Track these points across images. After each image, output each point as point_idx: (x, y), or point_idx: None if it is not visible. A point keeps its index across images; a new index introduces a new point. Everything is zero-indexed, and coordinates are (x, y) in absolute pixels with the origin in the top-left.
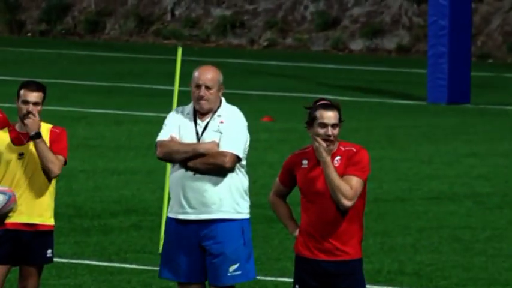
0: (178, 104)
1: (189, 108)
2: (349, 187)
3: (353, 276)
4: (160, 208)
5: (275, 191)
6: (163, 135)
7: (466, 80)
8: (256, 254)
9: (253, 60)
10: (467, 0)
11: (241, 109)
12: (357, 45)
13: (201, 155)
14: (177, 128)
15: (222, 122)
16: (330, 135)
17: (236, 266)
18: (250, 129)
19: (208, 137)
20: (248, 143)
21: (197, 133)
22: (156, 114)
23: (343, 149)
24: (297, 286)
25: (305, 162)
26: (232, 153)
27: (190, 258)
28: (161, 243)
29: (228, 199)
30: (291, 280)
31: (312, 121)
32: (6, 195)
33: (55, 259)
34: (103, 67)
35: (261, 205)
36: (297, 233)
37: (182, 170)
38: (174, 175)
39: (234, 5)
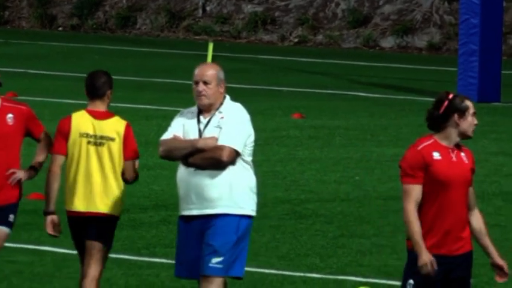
0: None
1: (194, 107)
2: None
3: (470, 266)
4: None
5: (414, 199)
6: (166, 135)
7: (497, 79)
8: (285, 250)
9: (284, 56)
10: (498, 0)
11: (271, 106)
12: (387, 42)
13: (201, 150)
14: (181, 127)
15: (222, 118)
16: (475, 125)
17: (220, 259)
18: (281, 126)
19: (209, 133)
20: (252, 138)
21: (199, 130)
22: (181, 107)
23: (460, 145)
24: (411, 281)
25: (437, 154)
26: (229, 147)
27: (199, 254)
28: None
29: (228, 195)
30: (320, 276)
31: (462, 112)
32: None
33: None
34: (134, 62)
35: (290, 201)
36: (427, 258)
37: (184, 167)
38: (178, 173)
39: (266, 1)
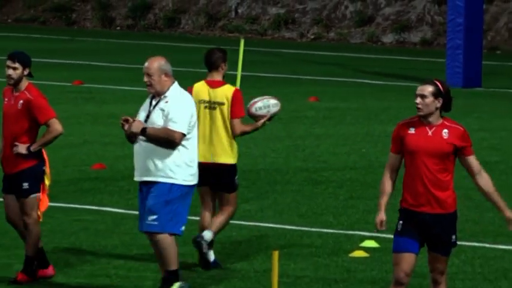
0: (241, 85)
1: None
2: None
3: (449, 225)
4: None
5: (389, 163)
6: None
7: (478, 68)
8: (304, 210)
9: (303, 50)
10: (479, 2)
11: (292, 91)
12: (388, 38)
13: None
14: (143, 108)
15: (167, 102)
16: (417, 104)
17: (154, 217)
18: (300, 108)
19: (154, 114)
20: (194, 117)
21: (149, 110)
22: None
23: (448, 124)
24: (400, 222)
25: (412, 129)
26: (180, 132)
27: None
28: None
29: (162, 166)
30: (333, 231)
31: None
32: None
33: None
34: (178, 56)
35: (308, 169)
36: (382, 213)
37: (137, 142)
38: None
39: (287, 4)
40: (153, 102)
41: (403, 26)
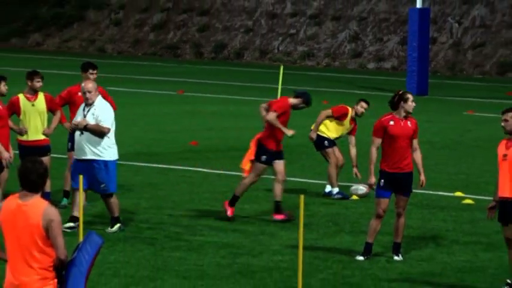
0: (282, 95)
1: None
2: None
3: (411, 180)
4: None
5: (375, 145)
6: (74, 119)
7: (425, 84)
8: (319, 170)
9: (319, 73)
10: (426, 44)
11: (312, 97)
12: (371, 66)
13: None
14: (79, 114)
15: (95, 109)
16: (412, 108)
17: (103, 185)
18: (316, 108)
19: (88, 117)
20: (113, 117)
21: (84, 115)
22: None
23: (413, 119)
24: (382, 181)
25: (392, 122)
26: (107, 127)
27: (80, 175)
28: None
29: (93, 148)
30: (340, 183)
31: (405, 100)
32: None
33: (219, 172)
34: (242, 76)
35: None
36: (372, 179)
37: (77, 132)
38: (75, 136)
39: (309, 45)
40: (85, 109)
41: (380, 58)
